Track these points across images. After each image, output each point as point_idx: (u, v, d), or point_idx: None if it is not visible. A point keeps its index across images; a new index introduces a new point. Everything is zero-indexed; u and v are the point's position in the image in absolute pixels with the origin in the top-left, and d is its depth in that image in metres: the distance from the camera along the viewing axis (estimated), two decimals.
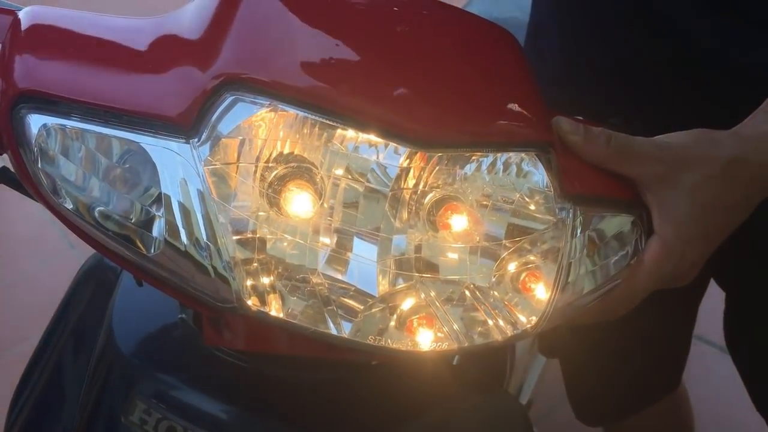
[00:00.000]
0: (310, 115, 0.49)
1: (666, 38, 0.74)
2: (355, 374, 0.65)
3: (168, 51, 0.53)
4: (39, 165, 0.51)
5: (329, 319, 0.52)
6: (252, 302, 0.50)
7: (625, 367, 1.11)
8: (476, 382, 0.69)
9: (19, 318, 1.82)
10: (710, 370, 1.63)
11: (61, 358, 0.81)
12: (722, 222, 0.59)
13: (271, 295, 0.51)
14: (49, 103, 0.51)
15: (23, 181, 0.52)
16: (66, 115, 0.50)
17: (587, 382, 1.17)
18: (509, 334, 0.53)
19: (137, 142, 0.50)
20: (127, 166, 0.51)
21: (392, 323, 0.53)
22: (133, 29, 0.56)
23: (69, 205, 0.51)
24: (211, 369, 0.65)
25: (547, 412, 1.59)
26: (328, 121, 0.49)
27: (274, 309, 0.51)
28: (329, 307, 0.52)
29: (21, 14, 0.56)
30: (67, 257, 1.96)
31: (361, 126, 0.49)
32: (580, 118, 0.71)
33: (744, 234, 0.81)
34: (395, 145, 0.50)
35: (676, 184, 0.56)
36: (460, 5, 1.48)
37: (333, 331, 0.52)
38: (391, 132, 0.49)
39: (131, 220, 0.51)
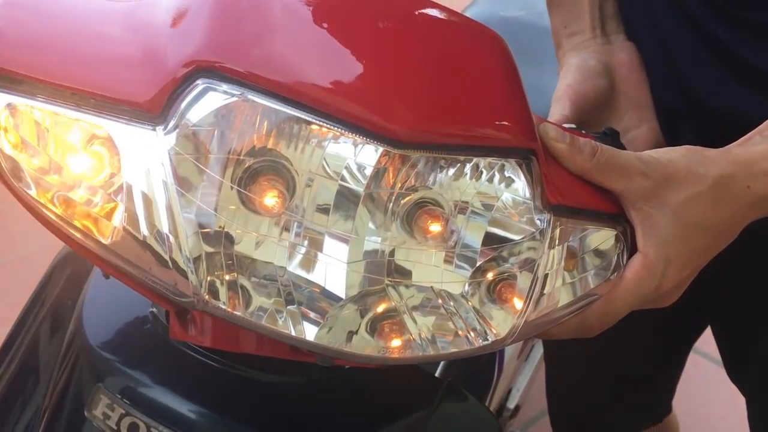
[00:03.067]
0: (284, 109, 0.47)
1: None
2: (326, 378, 0.63)
3: (142, 36, 0.51)
4: (0, 145, 0.49)
5: (290, 320, 0.50)
6: (209, 298, 0.49)
7: (610, 391, 1.11)
8: (452, 390, 0.67)
9: (13, 298, 1.81)
10: (704, 383, 1.62)
11: (37, 339, 0.80)
12: (706, 243, 0.57)
13: (232, 292, 0.49)
14: (14, 82, 0.49)
15: None
16: (31, 95, 0.49)
17: (570, 400, 1.16)
18: (476, 345, 0.52)
19: (103, 127, 0.48)
20: (93, 151, 0.49)
21: (363, 327, 0.51)
22: (110, 12, 0.54)
23: (29, 190, 0.50)
24: (179, 366, 0.63)
25: (535, 416, 1.58)
26: (302, 116, 0.47)
27: (234, 306, 0.49)
28: (291, 307, 0.50)
29: None
30: None
31: (336, 122, 0.47)
32: (567, 126, 0.69)
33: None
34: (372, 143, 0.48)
35: (661, 201, 0.55)
36: (466, 2, 1.46)
37: (292, 332, 0.50)
38: (367, 130, 0.47)
39: (92, 207, 0.49)
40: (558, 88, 0.76)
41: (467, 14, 1.36)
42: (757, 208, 0.57)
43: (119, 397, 0.61)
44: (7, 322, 0.85)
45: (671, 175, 0.55)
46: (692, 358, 1.26)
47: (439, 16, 0.53)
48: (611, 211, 0.56)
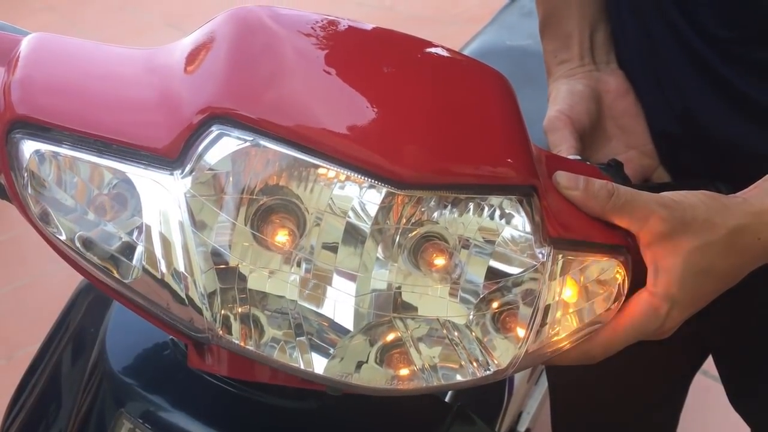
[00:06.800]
0: (293, 154, 0.50)
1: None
2: (339, 403, 0.65)
3: (160, 83, 0.54)
4: (29, 190, 0.52)
5: (299, 351, 0.52)
6: (223, 333, 0.51)
7: (616, 423, 1.11)
8: (462, 414, 0.69)
9: (30, 319, 1.84)
10: (715, 407, 1.61)
11: (60, 364, 0.82)
12: (711, 289, 0.59)
13: (244, 325, 0.52)
14: (42, 129, 0.52)
15: (14, 203, 0.54)
16: (58, 142, 0.52)
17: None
18: (479, 375, 0.54)
19: (124, 172, 0.51)
20: (114, 194, 0.52)
21: (372, 356, 0.54)
22: (130, 60, 0.57)
23: (59, 235, 0.52)
24: (199, 392, 0.65)
25: None
26: (310, 160, 0.50)
27: (247, 340, 0.52)
28: (300, 338, 0.52)
29: (26, 40, 0.57)
30: None
31: (343, 166, 0.50)
32: (573, 158, 0.71)
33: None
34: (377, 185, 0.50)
35: (675, 244, 0.56)
36: (477, 29, 1.48)
37: (301, 365, 0.52)
38: (372, 173, 0.50)
39: (113, 247, 0.52)
40: (549, 115, 0.77)
41: (474, 44, 1.39)
42: (765, 257, 0.59)
43: (141, 421, 0.63)
44: (24, 345, 0.87)
45: (689, 222, 0.57)
46: (703, 382, 1.26)
47: (442, 56, 0.56)
48: (613, 242, 0.58)
